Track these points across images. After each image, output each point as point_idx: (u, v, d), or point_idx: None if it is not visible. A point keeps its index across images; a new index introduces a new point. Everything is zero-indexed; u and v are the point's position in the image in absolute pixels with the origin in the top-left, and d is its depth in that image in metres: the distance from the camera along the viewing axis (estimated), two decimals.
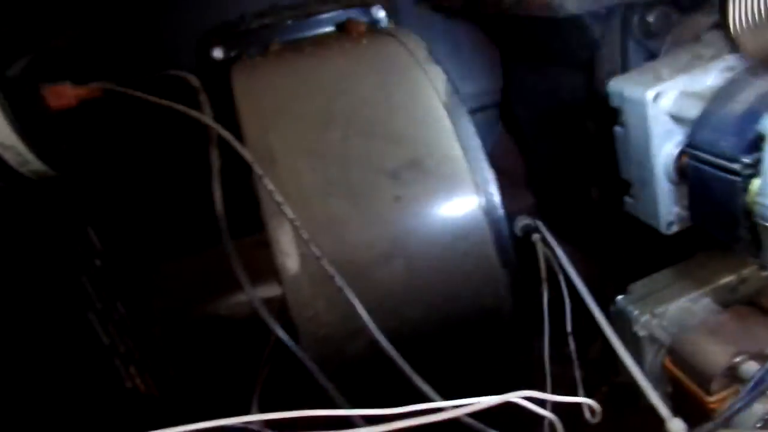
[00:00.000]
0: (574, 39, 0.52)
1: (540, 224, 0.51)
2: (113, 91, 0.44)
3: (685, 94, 0.41)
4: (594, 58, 0.51)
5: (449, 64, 0.49)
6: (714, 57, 0.43)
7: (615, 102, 0.46)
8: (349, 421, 0.32)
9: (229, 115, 0.46)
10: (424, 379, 0.38)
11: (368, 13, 0.62)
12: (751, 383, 0.36)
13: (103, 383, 0.59)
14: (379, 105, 0.46)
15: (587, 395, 0.39)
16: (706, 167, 0.37)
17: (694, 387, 0.45)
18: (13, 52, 0.41)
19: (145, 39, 0.60)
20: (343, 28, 0.60)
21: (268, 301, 0.42)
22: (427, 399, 0.36)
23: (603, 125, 0.51)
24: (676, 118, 0.43)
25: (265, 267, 0.44)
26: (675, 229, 0.47)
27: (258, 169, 0.40)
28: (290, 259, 0.41)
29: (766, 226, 0.36)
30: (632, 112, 0.44)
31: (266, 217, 0.41)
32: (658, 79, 0.42)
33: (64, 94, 0.42)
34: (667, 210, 0.46)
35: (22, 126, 0.38)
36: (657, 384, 0.49)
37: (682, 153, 0.43)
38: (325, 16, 0.62)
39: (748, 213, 0.35)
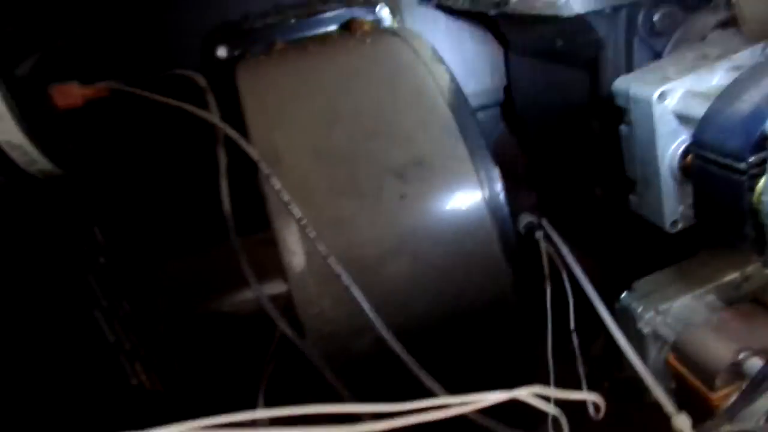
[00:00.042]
0: (578, 38, 0.52)
1: (545, 222, 0.52)
2: (119, 91, 0.44)
3: (691, 94, 0.42)
4: (599, 57, 0.51)
5: (452, 62, 0.50)
6: (720, 56, 0.43)
7: (620, 101, 0.46)
8: (356, 417, 0.32)
9: (232, 114, 0.46)
10: (429, 375, 0.38)
11: (372, 12, 0.62)
12: (755, 379, 0.36)
13: (109, 380, 0.59)
14: (384, 104, 0.46)
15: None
16: (712, 166, 0.37)
17: (697, 383, 0.45)
18: (21, 51, 0.41)
19: (149, 38, 0.60)
20: (347, 27, 0.60)
21: (272, 299, 0.43)
22: (433, 395, 0.36)
23: (607, 124, 0.51)
24: (682, 118, 0.43)
25: (269, 265, 0.44)
26: (679, 227, 0.48)
27: (265, 168, 0.40)
28: (296, 257, 0.41)
29: None
30: (638, 111, 0.44)
31: (272, 215, 0.41)
32: (664, 78, 0.42)
33: (71, 94, 0.42)
34: (671, 208, 0.46)
35: (29, 125, 0.39)
36: (660, 381, 0.50)
37: (687, 152, 0.43)
38: (328, 15, 0.62)
39: (754, 212, 0.35)
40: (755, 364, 0.41)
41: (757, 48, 0.44)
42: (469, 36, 0.70)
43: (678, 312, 0.49)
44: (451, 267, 0.42)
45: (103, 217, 0.63)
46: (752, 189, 0.35)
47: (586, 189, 0.59)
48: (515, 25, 0.62)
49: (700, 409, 0.45)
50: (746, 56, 0.43)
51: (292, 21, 0.62)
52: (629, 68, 0.51)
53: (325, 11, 0.62)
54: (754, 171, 0.35)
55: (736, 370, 0.43)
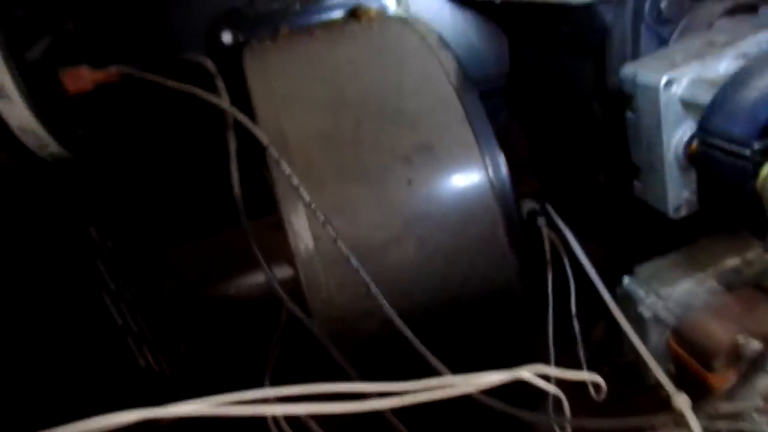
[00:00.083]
0: (585, 25, 0.52)
1: (549, 207, 0.52)
2: (128, 76, 0.45)
3: (698, 81, 0.42)
4: (605, 44, 0.51)
5: (456, 49, 0.50)
6: (727, 44, 0.43)
7: (627, 88, 0.47)
8: (362, 397, 0.33)
9: (237, 100, 0.47)
10: (434, 356, 0.39)
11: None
12: (753, 361, 0.37)
13: (117, 361, 0.60)
14: (390, 89, 0.46)
15: None
16: (717, 153, 0.38)
17: (696, 366, 0.46)
18: (31, 36, 0.41)
19: (155, 24, 0.60)
20: (353, 13, 0.60)
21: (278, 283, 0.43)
22: (437, 375, 0.37)
23: (612, 111, 0.51)
24: (688, 105, 0.43)
25: (274, 250, 0.45)
26: (683, 213, 0.48)
27: (274, 152, 0.41)
28: (304, 241, 0.41)
29: None
30: (644, 97, 0.45)
31: (280, 199, 0.42)
32: (671, 65, 0.43)
33: (81, 78, 0.43)
34: (675, 194, 0.47)
35: (40, 109, 0.39)
36: (660, 364, 0.50)
37: (692, 139, 0.43)
38: (334, 1, 0.62)
39: (758, 197, 0.36)
40: (754, 346, 0.42)
41: (764, 35, 0.44)
42: (473, 23, 0.69)
43: (679, 296, 0.49)
44: (457, 251, 0.43)
45: (111, 202, 0.63)
46: (756, 174, 0.35)
47: (590, 175, 0.60)
48: (520, 13, 0.62)
49: (698, 392, 0.46)
50: (753, 43, 0.44)
51: (298, 7, 0.61)
52: (636, 55, 0.51)
53: None
54: (759, 157, 0.35)
55: (735, 353, 0.44)
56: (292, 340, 0.50)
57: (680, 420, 0.34)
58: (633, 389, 0.53)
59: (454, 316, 0.45)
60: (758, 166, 0.36)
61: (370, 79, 0.47)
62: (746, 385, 0.37)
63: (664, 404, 0.37)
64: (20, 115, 0.38)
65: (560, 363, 0.49)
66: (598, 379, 0.36)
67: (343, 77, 0.48)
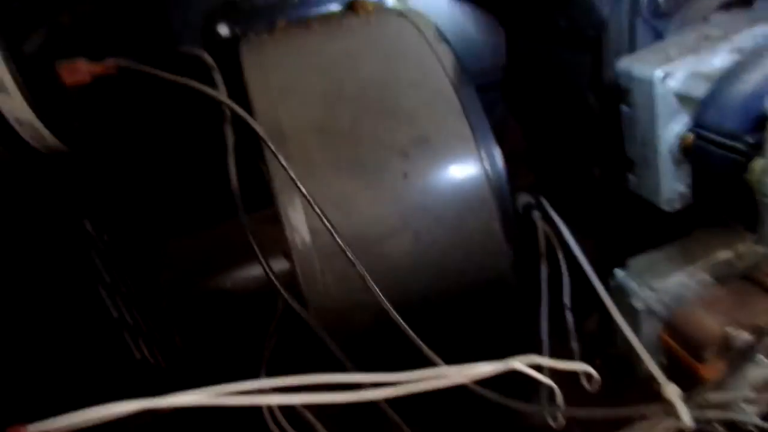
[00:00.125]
0: (582, 19, 0.52)
1: (543, 200, 0.53)
2: (125, 68, 0.45)
3: (693, 74, 0.42)
4: (601, 37, 0.51)
5: (453, 42, 0.50)
6: (722, 38, 0.43)
7: (623, 81, 0.47)
8: (357, 388, 0.33)
9: (233, 92, 0.47)
10: (428, 348, 0.39)
11: None
12: (741, 351, 0.37)
13: (114, 354, 0.60)
14: (388, 83, 0.46)
15: None
16: (712, 146, 0.38)
17: (687, 357, 0.47)
18: (27, 27, 0.41)
19: (150, 16, 0.60)
20: (350, 6, 0.60)
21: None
22: (432, 366, 0.37)
23: (607, 105, 0.52)
24: (683, 98, 0.43)
25: (269, 243, 0.45)
26: (676, 206, 0.49)
27: (271, 145, 0.41)
28: (301, 235, 0.42)
29: (767, 203, 0.37)
30: (640, 91, 0.45)
31: (277, 193, 0.42)
32: (667, 59, 0.43)
33: (78, 70, 0.43)
34: (669, 188, 0.47)
35: (37, 102, 0.39)
36: (652, 356, 0.51)
37: (686, 132, 0.44)
38: None
39: (750, 191, 0.36)
40: (743, 337, 0.43)
41: (759, 29, 0.44)
42: (470, 16, 0.69)
43: (671, 289, 0.50)
44: (452, 244, 0.43)
45: (108, 195, 0.63)
46: (749, 168, 0.36)
47: (585, 169, 0.60)
48: (518, 6, 0.62)
49: (689, 383, 0.47)
50: (748, 38, 0.44)
51: (295, 0, 0.61)
52: (632, 49, 0.51)
53: None
54: (753, 151, 0.35)
55: (725, 344, 0.45)
56: (287, 332, 0.50)
57: (670, 410, 0.35)
58: (625, 381, 0.54)
59: (450, 308, 0.46)
60: (751, 159, 0.36)
61: (368, 73, 0.47)
62: (736, 376, 0.38)
63: (656, 396, 0.38)
64: (17, 108, 0.37)
65: (554, 355, 0.49)
66: (589, 369, 0.37)
67: (341, 70, 0.48)
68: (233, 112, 0.43)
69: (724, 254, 0.50)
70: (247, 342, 0.55)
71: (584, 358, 0.51)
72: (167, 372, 0.64)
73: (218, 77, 0.45)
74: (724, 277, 0.50)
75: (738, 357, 0.40)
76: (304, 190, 0.40)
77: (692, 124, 0.41)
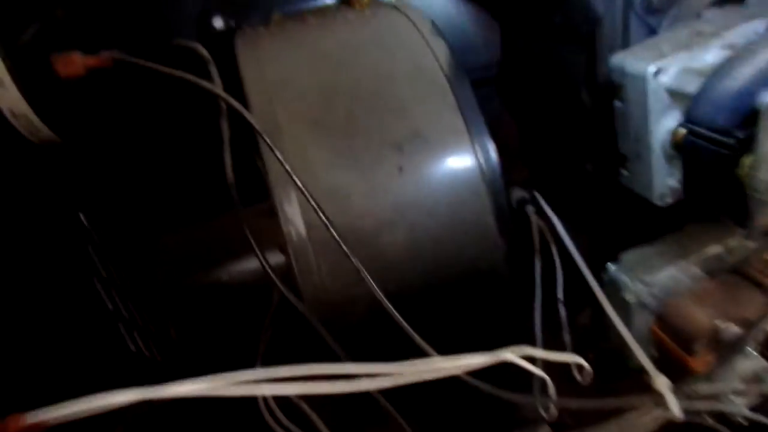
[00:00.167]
0: (576, 14, 0.53)
1: (537, 195, 0.53)
2: (120, 61, 0.44)
3: (685, 70, 0.43)
4: (596, 33, 0.52)
5: (448, 37, 0.50)
6: (714, 34, 0.44)
7: (616, 77, 0.47)
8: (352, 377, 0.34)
9: (228, 85, 0.47)
10: (423, 340, 0.39)
11: None
12: (731, 343, 0.38)
13: (109, 347, 0.60)
14: (383, 77, 0.46)
15: None
16: (703, 141, 0.39)
17: (678, 349, 0.48)
18: (22, 20, 0.41)
19: (145, 8, 0.60)
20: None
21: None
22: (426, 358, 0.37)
23: (601, 100, 0.52)
24: (676, 94, 0.44)
25: (266, 236, 0.45)
26: (668, 201, 0.49)
27: (267, 139, 0.41)
28: (296, 228, 0.42)
29: (757, 199, 0.37)
30: (632, 87, 0.45)
31: (273, 186, 0.42)
32: (659, 55, 0.43)
33: (73, 63, 0.42)
34: (661, 183, 0.48)
35: (32, 94, 0.39)
36: (643, 348, 0.52)
37: (678, 128, 0.44)
38: None
39: (741, 186, 0.37)
40: (732, 330, 0.43)
41: (751, 26, 0.45)
42: (465, 10, 0.70)
43: (662, 282, 0.50)
44: (446, 238, 0.44)
45: (102, 188, 0.63)
46: (740, 163, 0.36)
47: (578, 164, 0.61)
48: (513, 1, 0.62)
49: (680, 375, 0.47)
50: (740, 34, 0.44)
51: None
52: (625, 45, 0.51)
53: None
54: (743, 146, 0.36)
55: (715, 337, 0.46)
56: (282, 325, 0.51)
57: (660, 401, 0.35)
58: (617, 375, 0.55)
59: (444, 301, 0.46)
60: (741, 155, 0.37)
61: (363, 67, 0.48)
62: (725, 368, 0.39)
63: (647, 388, 0.38)
64: (12, 100, 0.37)
65: (547, 348, 0.50)
66: (581, 361, 0.37)
67: (336, 64, 0.48)
68: (229, 106, 0.43)
69: (714, 249, 0.51)
70: (242, 335, 0.55)
71: (577, 352, 0.52)
72: (163, 365, 0.64)
73: (214, 70, 0.45)
74: (714, 271, 0.51)
75: (727, 349, 0.41)
76: (299, 184, 0.41)
77: (684, 119, 0.42)
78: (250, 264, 0.65)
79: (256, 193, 0.46)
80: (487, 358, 0.31)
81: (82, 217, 0.59)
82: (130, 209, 0.66)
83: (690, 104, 0.40)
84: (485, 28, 0.71)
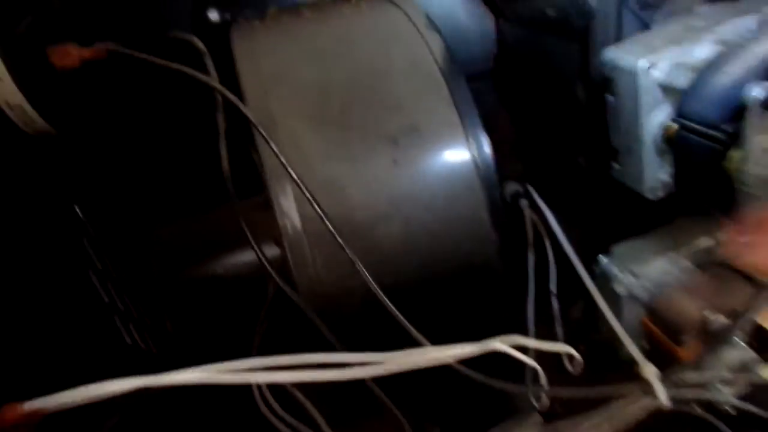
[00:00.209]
0: (570, 8, 0.53)
1: (530, 188, 0.53)
2: (115, 53, 0.44)
3: (676, 65, 0.43)
4: (589, 27, 0.52)
5: (444, 31, 0.50)
6: (705, 29, 0.44)
7: (608, 71, 0.48)
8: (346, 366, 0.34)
9: (224, 78, 0.47)
10: (416, 330, 0.40)
11: None
12: (718, 333, 0.39)
13: (105, 339, 0.61)
14: (378, 70, 0.47)
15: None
16: (693, 135, 0.39)
17: (668, 341, 0.48)
18: (17, 12, 0.41)
19: (140, 0, 0.59)
20: None
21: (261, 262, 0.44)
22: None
23: (593, 94, 0.52)
24: (666, 88, 0.44)
25: (261, 229, 0.45)
26: (659, 195, 0.50)
27: (263, 132, 0.41)
28: (291, 221, 0.42)
29: (745, 192, 0.38)
30: (624, 81, 0.46)
31: (268, 179, 0.43)
32: (651, 49, 0.44)
33: (68, 55, 0.42)
34: (652, 176, 0.48)
35: (28, 86, 0.39)
36: (634, 340, 0.53)
37: (669, 122, 0.45)
38: None
39: (729, 179, 0.37)
40: (720, 321, 0.44)
41: (742, 21, 0.45)
42: (460, 4, 0.70)
43: (653, 275, 0.51)
44: (441, 231, 0.44)
45: (97, 180, 0.63)
46: (729, 157, 0.37)
47: (571, 158, 0.61)
48: None
49: (670, 366, 0.48)
50: (731, 29, 0.45)
51: None
52: (618, 39, 0.52)
53: None
54: (732, 140, 0.36)
55: (704, 328, 0.46)
56: (278, 317, 0.51)
57: (648, 389, 0.36)
58: (609, 367, 0.55)
59: (438, 293, 0.46)
60: (729, 149, 0.37)
61: (358, 60, 0.48)
62: (712, 357, 0.39)
63: (637, 378, 0.39)
64: (8, 92, 0.37)
65: (540, 339, 0.51)
66: (571, 350, 0.38)
67: (331, 58, 0.48)
68: (224, 98, 0.43)
69: (704, 241, 0.52)
70: (237, 327, 0.56)
71: (569, 345, 0.52)
72: (158, 357, 0.64)
73: (210, 63, 0.45)
74: (704, 263, 0.52)
75: (714, 339, 0.42)
76: (295, 177, 0.41)
77: (675, 114, 0.42)
78: (246, 256, 0.65)
79: (251, 186, 0.46)
80: (476, 347, 0.31)
81: (77, 209, 0.59)
82: (125, 201, 0.66)
83: (681, 99, 0.41)
84: (481, 22, 0.71)
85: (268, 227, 0.44)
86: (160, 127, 0.64)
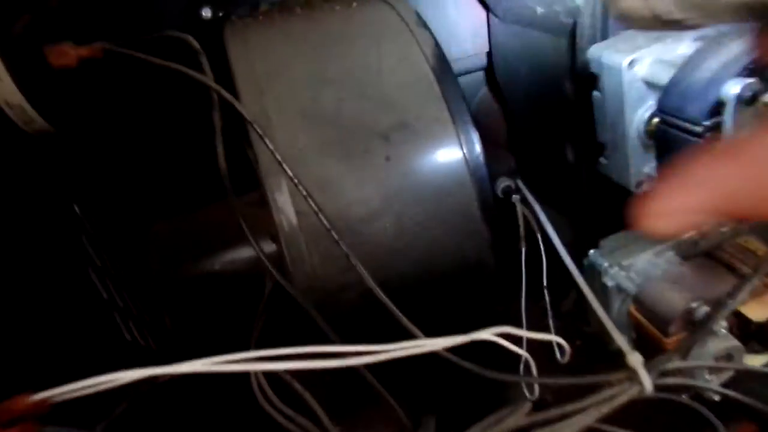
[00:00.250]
0: (558, 6, 0.54)
1: (520, 184, 0.55)
2: (111, 52, 0.45)
3: (658, 62, 0.44)
4: (576, 25, 0.53)
5: (435, 27, 0.51)
6: None
7: (594, 68, 0.49)
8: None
9: (217, 75, 0.47)
10: (410, 322, 0.41)
11: None
12: (702, 321, 0.40)
13: (105, 335, 0.61)
14: (370, 69, 0.47)
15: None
16: (673, 130, 0.40)
17: (654, 331, 0.50)
18: (14, 11, 0.41)
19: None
20: None
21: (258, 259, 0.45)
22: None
23: (581, 90, 0.53)
24: (649, 84, 0.46)
25: (257, 225, 0.46)
26: (645, 188, 0.51)
27: (258, 129, 0.42)
28: (287, 217, 0.43)
29: None
30: (609, 77, 0.47)
31: (264, 176, 0.43)
32: (634, 46, 0.45)
33: (65, 54, 0.43)
34: (637, 170, 0.49)
35: (26, 85, 0.39)
36: (623, 331, 0.54)
37: (652, 117, 0.46)
38: None
39: None
40: (704, 310, 0.46)
41: None
42: (451, 1, 0.71)
43: (640, 267, 0.52)
44: (432, 226, 0.45)
45: (95, 178, 0.63)
46: None
47: (560, 153, 0.62)
48: None
49: (657, 355, 0.49)
50: (713, 27, 0.46)
51: None
52: (604, 36, 0.52)
53: None
54: (709, 134, 0.38)
55: (689, 318, 0.48)
56: (275, 313, 0.52)
57: (634, 376, 0.37)
58: (601, 361, 0.56)
59: (431, 288, 0.47)
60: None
61: (350, 58, 0.48)
62: (696, 345, 0.41)
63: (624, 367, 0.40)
64: (7, 91, 0.38)
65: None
66: (560, 340, 0.39)
67: (324, 55, 0.49)
68: (220, 97, 0.44)
69: (689, 234, 0.53)
70: (235, 323, 0.56)
71: (564, 339, 0.54)
72: (158, 353, 0.65)
73: (205, 62, 0.46)
74: (689, 255, 0.53)
75: (699, 328, 0.43)
76: (290, 173, 0.42)
77: (656, 108, 0.43)
78: (242, 253, 0.66)
79: (246, 183, 0.47)
80: (465, 337, 0.32)
81: (75, 207, 0.59)
82: (123, 199, 0.66)
83: (661, 94, 0.42)
84: (472, 19, 0.72)
85: (264, 224, 0.45)
86: (156, 124, 0.65)
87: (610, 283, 0.53)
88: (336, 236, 0.41)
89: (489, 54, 0.72)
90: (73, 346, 0.57)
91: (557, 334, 0.55)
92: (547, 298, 0.59)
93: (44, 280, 0.56)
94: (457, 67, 0.70)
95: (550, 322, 0.60)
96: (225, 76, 0.47)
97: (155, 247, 0.68)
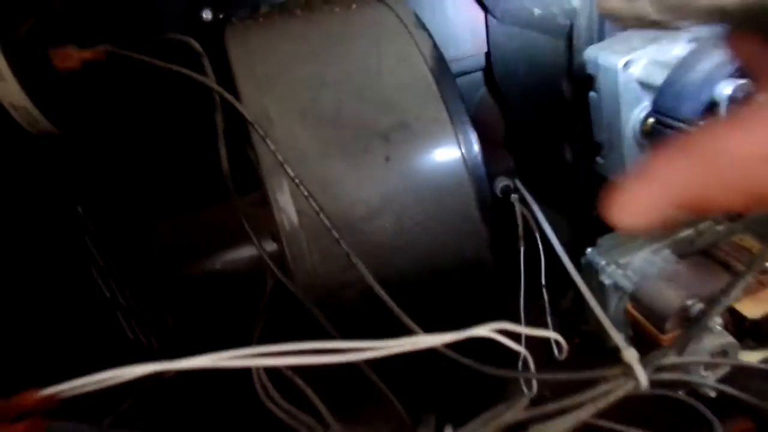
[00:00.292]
0: (555, 7, 0.55)
1: (519, 183, 0.55)
2: (114, 54, 0.46)
3: (653, 63, 0.45)
4: (573, 26, 0.53)
5: (434, 28, 0.51)
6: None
7: (590, 69, 0.49)
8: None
9: (217, 76, 0.48)
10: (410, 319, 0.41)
11: None
12: (697, 318, 0.41)
13: (108, 334, 0.62)
14: (370, 70, 0.48)
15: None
16: (668, 130, 0.41)
17: (651, 328, 0.50)
18: (19, 14, 0.42)
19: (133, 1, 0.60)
20: None
21: (259, 258, 0.45)
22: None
23: (578, 91, 0.54)
24: (645, 85, 0.46)
25: (259, 225, 0.47)
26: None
27: (260, 130, 0.42)
28: (288, 216, 0.43)
29: None
30: (605, 78, 0.48)
31: (265, 176, 0.44)
32: (630, 48, 0.45)
33: (69, 57, 0.44)
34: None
35: (31, 87, 0.40)
36: (620, 329, 0.55)
37: (647, 117, 0.47)
38: None
39: None
40: (699, 307, 0.46)
41: None
42: (450, 2, 0.71)
43: (636, 265, 0.53)
44: (431, 226, 0.45)
45: (98, 179, 0.64)
46: None
47: (558, 152, 0.63)
48: None
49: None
50: (705, 28, 0.47)
51: None
52: (601, 38, 0.53)
53: None
54: None
55: (685, 315, 0.48)
56: (277, 312, 0.52)
57: (629, 372, 0.38)
58: (599, 358, 0.57)
59: (430, 287, 0.48)
60: None
61: (350, 59, 0.49)
62: (692, 341, 0.41)
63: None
64: (12, 93, 0.39)
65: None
66: (557, 337, 0.39)
67: (324, 57, 0.49)
68: (222, 98, 0.45)
69: (685, 232, 0.53)
70: (237, 322, 0.57)
71: (563, 336, 0.54)
72: (160, 352, 0.66)
73: (207, 64, 0.46)
74: (685, 253, 0.54)
75: (694, 324, 0.44)
76: (291, 174, 0.42)
77: (651, 108, 0.44)
78: (244, 252, 0.67)
79: (248, 183, 0.47)
80: (463, 333, 0.33)
81: (78, 208, 0.60)
82: (125, 199, 0.67)
83: (657, 94, 0.43)
84: (471, 20, 0.72)
85: (265, 223, 0.45)
86: (159, 126, 0.65)
87: (607, 281, 0.54)
88: (336, 235, 0.42)
89: (487, 55, 0.73)
90: (77, 345, 0.57)
91: (555, 331, 0.55)
92: (545, 296, 0.59)
93: (48, 280, 0.56)
94: (455, 67, 0.71)
95: (549, 320, 0.60)
96: (226, 77, 0.48)
97: (158, 246, 0.69)
